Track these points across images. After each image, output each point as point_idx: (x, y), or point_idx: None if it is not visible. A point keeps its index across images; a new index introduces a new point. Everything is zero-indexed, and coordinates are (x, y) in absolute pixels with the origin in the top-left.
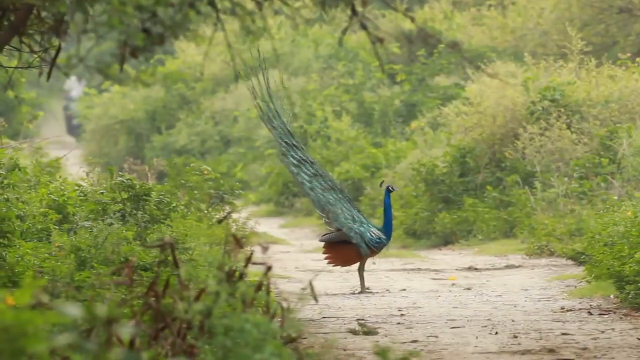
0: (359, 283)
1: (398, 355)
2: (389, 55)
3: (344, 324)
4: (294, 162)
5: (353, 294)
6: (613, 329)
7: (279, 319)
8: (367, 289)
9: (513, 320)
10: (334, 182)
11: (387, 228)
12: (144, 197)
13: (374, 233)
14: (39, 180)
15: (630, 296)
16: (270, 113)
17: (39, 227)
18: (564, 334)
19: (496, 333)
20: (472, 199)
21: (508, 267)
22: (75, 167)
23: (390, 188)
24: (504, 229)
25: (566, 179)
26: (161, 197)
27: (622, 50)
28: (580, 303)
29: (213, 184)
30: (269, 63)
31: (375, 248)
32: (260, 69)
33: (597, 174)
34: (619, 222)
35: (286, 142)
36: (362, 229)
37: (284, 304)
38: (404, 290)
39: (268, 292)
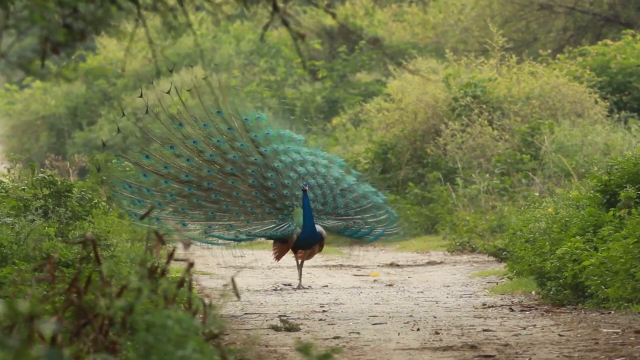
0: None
1: (320, 352)
2: (310, 51)
3: (266, 320)
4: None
5: (294, 289)
6: (534, 325)
7: (201, 316)
8: (289, 284)
9: (435, 317)
10: (262, 179)
11: (304, 224)
12: (66, 193)
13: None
14: None
15: (551, 292)
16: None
17: None
18: (485, 330)
19: (418, 329)
20: (393, 196)
21: (430, 263)
22: None
23: (302, 187)
24: (426, 226)
25: (487, 175)
26: (83, 193)
27: (542, 47)
28: (501, 299)
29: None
30: (190, 59)
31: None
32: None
33: (518, 171)
34: (540, 218)
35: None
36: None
37: (206, 301)
38: (326, 286)
39: (190, 288)
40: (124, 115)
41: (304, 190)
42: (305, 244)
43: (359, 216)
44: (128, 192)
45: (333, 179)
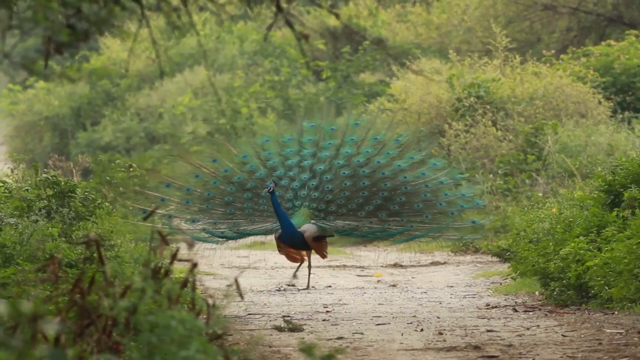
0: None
1: (324, 352)
2: (314, 51)
3: (270, 320)
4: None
5: (298, 289)
6: (538, 325)
7: (205, 316)
8: (292, 285)
9: (438, 317)
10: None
11: (280, 224)
12: (69, 193)
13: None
14: None
15: (555, 293)
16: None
17: None
18: (489, 330)
19: (421, 330)
20: None
21: (433, 264)
22: None
23: (269, 191)
24: None
25: (491, 175)
26: (86, 194)
27: (546, 47)
28: (505, 300)
29: (138, 181)
30: (193, 60)
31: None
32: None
33: (522, 171)
34: (543, 218)
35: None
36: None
37: (210, 301)
38: (330, 287)
39: (194, 288)
40: (204, 120)
41: (270, 192)
42: (290, 243)
43: (397, 218)
44: (159, 193)
45: (393, 182)
